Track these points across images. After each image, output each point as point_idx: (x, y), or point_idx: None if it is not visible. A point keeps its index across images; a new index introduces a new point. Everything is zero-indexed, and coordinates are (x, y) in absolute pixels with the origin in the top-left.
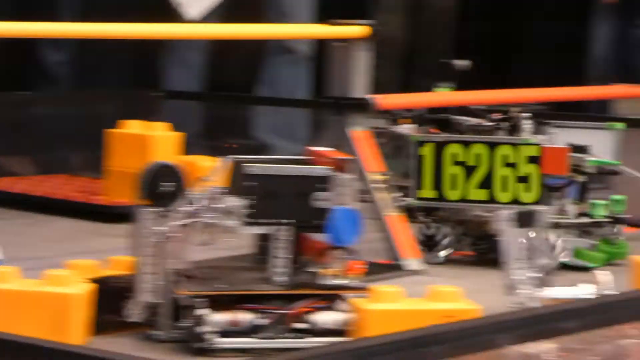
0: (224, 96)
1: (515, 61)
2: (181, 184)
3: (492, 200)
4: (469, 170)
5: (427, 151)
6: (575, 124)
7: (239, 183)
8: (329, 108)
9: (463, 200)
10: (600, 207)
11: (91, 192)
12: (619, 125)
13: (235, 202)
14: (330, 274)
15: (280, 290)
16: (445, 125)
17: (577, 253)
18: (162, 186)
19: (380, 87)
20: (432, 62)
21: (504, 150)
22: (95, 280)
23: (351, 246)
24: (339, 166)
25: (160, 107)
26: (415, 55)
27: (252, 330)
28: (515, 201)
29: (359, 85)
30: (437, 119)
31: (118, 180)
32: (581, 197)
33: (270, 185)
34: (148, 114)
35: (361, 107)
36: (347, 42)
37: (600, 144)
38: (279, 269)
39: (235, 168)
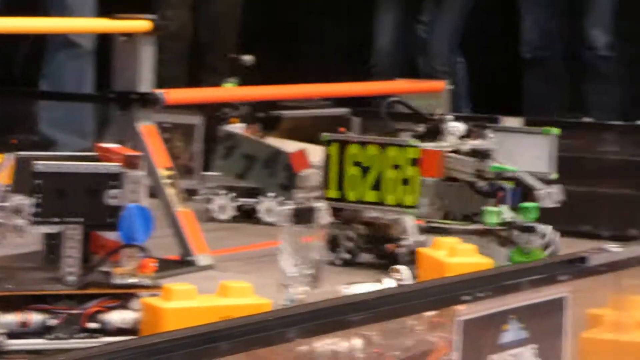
0: (6, 90)
1: (303, 57)
2: None
3: (381, 202)
4: (365, 171)
5: (333, 151)
6: (514, 129)
7: (25, 180)
8: (115, 103)
9: (360, 201)
10: (493, 214)
11: None
12: (555, 130)
13: (22, 200)
14: (123, 273)
15: (71, 290)
16: (274, 123)
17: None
18: None
19: (166, 82)
20: (220, 57)
21: (392, 152)
22: None
23: (143, 244)
24: (129, 162)
25: None
26: (202, 51)
27: (43, 331)
28: (399, 205)
29: (145, 80)
30: (267, 117)
31: None
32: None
33: (58, 182)
34: None
35: (148, 102)
36: (131, 37)
37: (537, 149)
38: (70, 268)
39: (21, 165)
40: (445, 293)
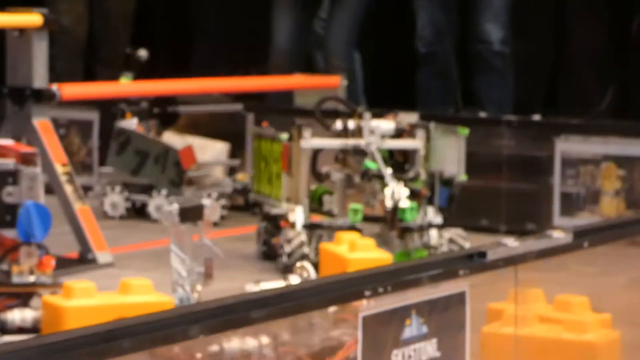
0: None
1: (198, 52)
2: None
3: (270, 195)
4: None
5: (256, 146)
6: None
7: None
8: (9, 99)
9: (263, 195)
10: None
11: None
12: (464, 131)
13: None
14: (22, 271)
15: None
16: (172, 119)
17: None
18: None
19: (61, 77)
20: (115, 52)
21: (276, 147)
22: None
23: (41, 241)
24: (25, 159)
25: None
26: (97, 45)
27: None
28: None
29: (39, 75)
30: (164, 113)
31: None
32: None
33: None
34: None
35: (42, 97)
36: (23, 32)
37: (447, 150)
38: None
39: None
40: (346, 289)
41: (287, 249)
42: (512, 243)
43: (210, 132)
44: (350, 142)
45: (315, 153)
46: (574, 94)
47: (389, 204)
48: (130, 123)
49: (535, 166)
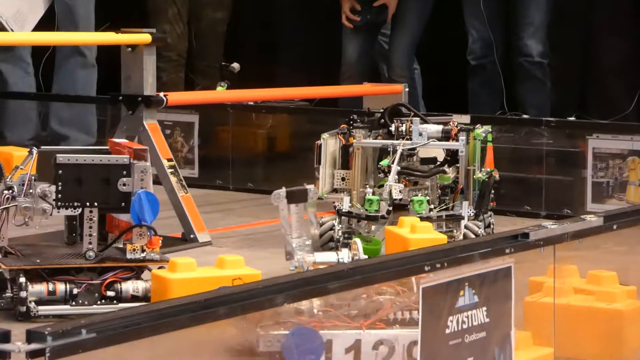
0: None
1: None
2: None
3: None
4: None
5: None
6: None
7: (48, 171)
8: (124, 104)
9: None
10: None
11: None
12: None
13: (47, 187)
14: (134, 249)
15: (91, 263)
16: None
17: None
18: None
19: (165, 86)
20: (210, 65)
21: None
22: None
23: (151, 224)
24: (137, 155)
25: None
26: (195, 59)
27: (67, 299)
28: None
29: (149, 84)
30: None
31: None
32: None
33: (77, 172)
34: None
35: (151, 103)
36: (135, 48)
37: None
38: (89, 245)
39: (46, 157)
40: (409, 264)
41: (319, 230)
42: (551, 225)
43: None
44: (388, 142)
45: (381, 153)
46: (603, 98)
47: (385, 195)
48: None
49: (570, 160)
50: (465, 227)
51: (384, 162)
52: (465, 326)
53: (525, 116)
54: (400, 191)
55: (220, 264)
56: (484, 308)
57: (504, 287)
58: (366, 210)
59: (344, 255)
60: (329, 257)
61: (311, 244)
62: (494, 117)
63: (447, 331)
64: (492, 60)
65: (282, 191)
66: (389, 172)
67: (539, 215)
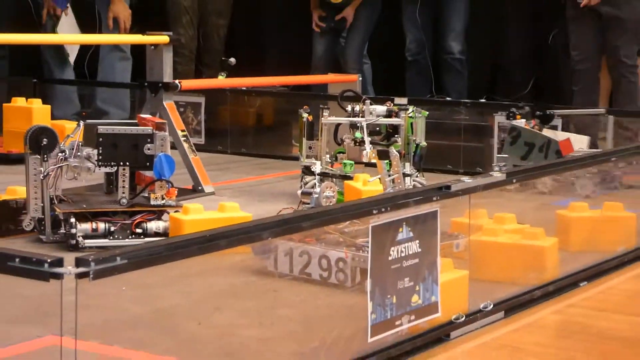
0: (80, 81)
1: (267, 60)
2: (54, 139)
3: None
4: None
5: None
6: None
7: (92, 139)
8: (148, 89)
9: None
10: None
11: None
12: (425, 112)
13: (91, 151)
14: (156, 197)
15: (124, 208)
16: (549, 118)
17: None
18: (42, 141)
19: (180, 75)
20: (213, 59)
21: None
22: None
23: (169, 179)
24: (158, 127)
25: (37, 89)
26: (203, 55)
27: (106, 234)
28: None
29: (167, 74)
30: (542, 114)
31: (12, 137)
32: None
33: (113, 139)
34: (29, 94)
35: (169, 88)
36: (157, 47)
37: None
38: (123, 194)
39: (90, 129)
40: (362, 209)
41: (304, 186)
42: (467, 180)
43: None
44: (354, 119)
45: (337, 127)
46: (507, 83)
47: (364, 159)
48: (520, 122)
49: (481, 132)
50: (415, 181)
51: (358, 135)
52: (403, 255)
53: (448, 99)
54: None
55: (221, 209)
56: (417, 241)
57: (432, 225)
58: (343, 171)
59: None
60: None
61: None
62: (425, 99)
63: (390, 258)
64: (424, 56)
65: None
66: (363, 142)
67: (458, 172)
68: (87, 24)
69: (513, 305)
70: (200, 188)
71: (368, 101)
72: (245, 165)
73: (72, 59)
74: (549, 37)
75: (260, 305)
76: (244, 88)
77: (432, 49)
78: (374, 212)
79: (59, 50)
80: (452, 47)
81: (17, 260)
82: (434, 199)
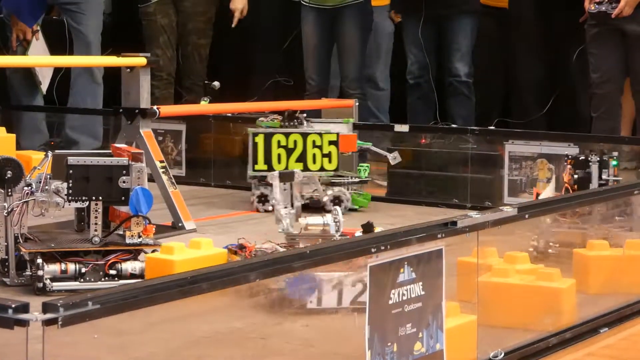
0: (49, 107)
1: (255, 83)
2: (20, 171)
3: (306, 169)
4: (289, 151)
5: (259, 139)
6: (325, 120)
7: (62, 171)
8: (124, 115)
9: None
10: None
11: None
12: (350, 119)
13: (60, 184)
14: (132, 235)
15: (96, 247)
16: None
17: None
18: (6, 173)
19: (158, 100)
20: (195, 82)
21: (313, 137)
22: None
23: (146, 214)
24: (134, 158)
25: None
26: (182, 78)
27: (77, 276)
28: (322, 169)
29: (144, 99)
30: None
31: None
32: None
33: (85, 172)
34: None
35: (146, 114)
36: (133, 69)
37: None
38: (95, 232)
39: (59, 159)
40: (359, 247)
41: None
42: (475, 215)
43: None
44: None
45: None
46: (518, 109)
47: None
48: None
49: (490, 161)
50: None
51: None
52: (405, 298)
53: (454, 125)
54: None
55: (194, 245)
56: (420, 283)
57: (437, 265)
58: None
59: (328, 219)
60: (316, 220)
61: (295, 212)
62: (429, 126)
63: (390, 302)
64: (427, 79)
65: (276, 173)
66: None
67: (465, 207)
68: (56, 45)
69: (526, 354)
70: (180, 225)
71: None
72: (230, 199)
73: (44, 86)
74: (568, 57)
75: (246, 354)
76: (229, 114)
77: (436, 71)
78: (373, 250)
79: (28, 76)
80: (457, 69)
81: None
82: (439, 236)
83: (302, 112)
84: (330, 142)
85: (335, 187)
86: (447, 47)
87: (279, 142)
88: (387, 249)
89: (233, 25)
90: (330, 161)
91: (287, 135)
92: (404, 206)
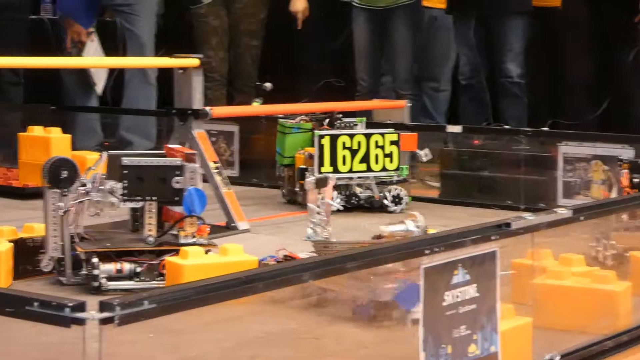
0: (103, 108)
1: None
2: (75, 172)
3: (369, 169)
4: (353, 152)
5: (325, 141)
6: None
7: (117, 171)
8: (177, 116)
9: (350, 171)
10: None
11: (9, 178)
12: (363, 119)
13: (115, 184)
14: (186, 235)
15: (151, 247)
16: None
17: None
18: (62, 174)
19: (210, 101)
20: (247, 84)
21: (375, 138)
22: (14, 241)
23: (200, 215)
24: (188, 158)
25: (55, 117)
26: (234, 79)
27: (132, 276)
28: (384, 169)
29: (197, 100)
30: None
31: (28, 170)
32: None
33: (139, 172)
34: (46, 122)
35: (199, 115)
36: (185, 70)
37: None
38: (149, 232)
39: (114, 160)
40: (412, 248)
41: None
42: (529, 217)
43: None
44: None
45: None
46: (573, 109)
47: None
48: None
49: (544, 163)
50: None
51: None
52: (459, 299)
53: (506, 127)
54: None
55: (223, 252)
56: (475, 285)
57: (491, 267)
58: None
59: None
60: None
61: (327, 219)
62: (481, 127)
63: (444, 304)
64: (479, 80)
65: (312, 179)
66: None
67: (519, 209)
68: (110, 47)
69: (582, 357)
70: (234, 225)
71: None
72: (281, 200)
73: (99, 87)
74: (622, 57)
75: (300, 355)
76: (281, 115)
77: (488, 72)
78: (426, 252)
79: (82, 77)
80: (509, 70)
81: (35, 304)
82: (493, 237)
83: (338, 113)
84: (392, 142)
85: (391, 186)
86: (499, 48)
87: (344, 143)
88: (440, 251)
89: (299, 28)
90: (391, 161)
91: (351, 136)
92: (457, 208)
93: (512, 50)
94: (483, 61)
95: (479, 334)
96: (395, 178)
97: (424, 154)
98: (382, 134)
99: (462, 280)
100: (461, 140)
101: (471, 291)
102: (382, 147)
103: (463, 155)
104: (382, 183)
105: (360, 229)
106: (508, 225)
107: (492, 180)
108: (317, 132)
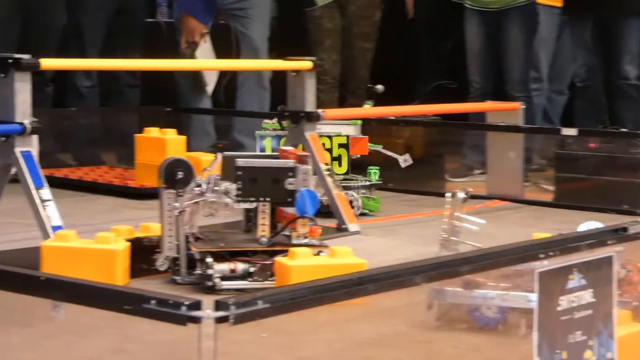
0: (217, 110)
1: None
2: (190, 173)
3: None
4: None
5: (267, 142)
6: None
7: (231, 172)
8: (289, 118)
9: None
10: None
11: (125, 178)
12: (358, 121)
13: (229, 185)
14: (298, 235)
15: (264, 247)
16: None
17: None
18: (177, 174)
19: (323, 103)
20: (358, 86)
21: (322, 140)
22: (130, 240)
23: (312, 216)
24: (300, 160)
25: (170, 119)
26: (346, 81)
27: (245, 276)
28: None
29: (309, 102)
30: None
31: (144, 170)
32: None
33: (253, 173)
34: (162, 124)
35: (312, 117)
36: (298, 73)
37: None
38: (263, 232)
39: (228, 161)
40: (527, 252)
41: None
42: None
43: None
44: None
45: None
46: None
47: None
48: None
49: None
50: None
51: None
52: (574, 305)
53: (623, 130)
54: None
55: (332, 254)
56: (591, 290)
57: (607, 272)
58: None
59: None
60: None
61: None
62: (597, 130)
63: (559, 309)
64: (595, 82)
65: (461, 195)
66: None
67: (635, 213)
68: (222, 49)
69: None
70: (344, 226)
71: None
72: (393, 202)
73: (210, 88)
74: None
75: (413, 358)
76: (392, 118)
77: (605, 73)
78: (541, 256)
79: (195, 78)
80: (627, 72)
81: (152, 302)
82: (609, 242)
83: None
84: (340, 145)
85: (348, 192)
86: (616, 49)
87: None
88: (555, 255)
89: (410, 16)
90: (340, 164)
91: None
92: (571, 212)
93: (630, 52)
94: (599, 62)
95: (595, 340)
96: (361, 183)
97: (403, 160)
98: (330, 137)
99: (577, 285)
100: (576, 144)
101: (587, 296)
102: (330, 150)
103: (578, 159)
104: (347, 188)
105: None
106: (625, 229)
107: (608, 184)
108: (258, 133)
